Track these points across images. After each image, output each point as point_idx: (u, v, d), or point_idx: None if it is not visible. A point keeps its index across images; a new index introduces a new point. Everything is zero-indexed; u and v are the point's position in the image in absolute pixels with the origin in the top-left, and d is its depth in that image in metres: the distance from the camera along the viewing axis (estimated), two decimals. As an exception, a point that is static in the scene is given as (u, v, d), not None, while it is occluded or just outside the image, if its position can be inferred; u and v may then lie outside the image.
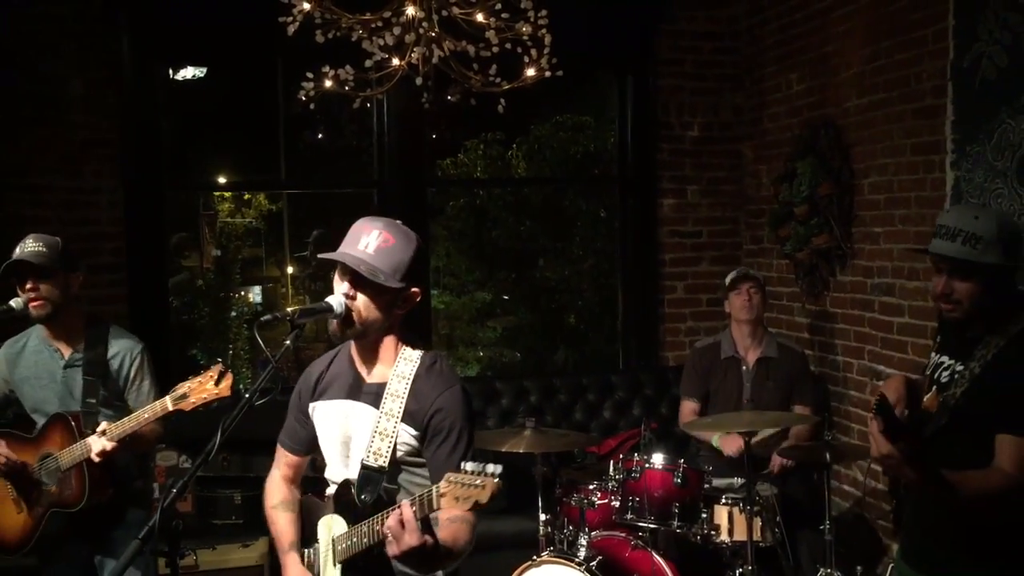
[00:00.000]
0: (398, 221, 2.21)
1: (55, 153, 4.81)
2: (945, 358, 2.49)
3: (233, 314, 9.25)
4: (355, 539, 2.15)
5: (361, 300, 2.13)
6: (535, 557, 3.58)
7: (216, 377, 2.63)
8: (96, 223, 4.85)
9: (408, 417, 2.18)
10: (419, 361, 2.23)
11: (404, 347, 2.25)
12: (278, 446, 2.48)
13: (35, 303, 2.94)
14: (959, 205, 2.55)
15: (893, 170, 4.27)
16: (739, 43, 5.56)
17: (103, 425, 2.83)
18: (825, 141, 4.67)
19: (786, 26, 5.11)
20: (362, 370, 2.28)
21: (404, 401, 2.18)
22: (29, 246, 2.97)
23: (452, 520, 2.07)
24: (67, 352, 3.07)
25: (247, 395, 1.97)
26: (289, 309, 2.08)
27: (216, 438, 1.89)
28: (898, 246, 4.25)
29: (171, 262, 7.33)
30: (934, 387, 2.47)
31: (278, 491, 2.45)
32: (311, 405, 2.36)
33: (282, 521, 2.39)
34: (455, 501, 1.83)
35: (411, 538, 1.91)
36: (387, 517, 2.00)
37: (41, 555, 3.11)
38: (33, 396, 3.09)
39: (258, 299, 10.22)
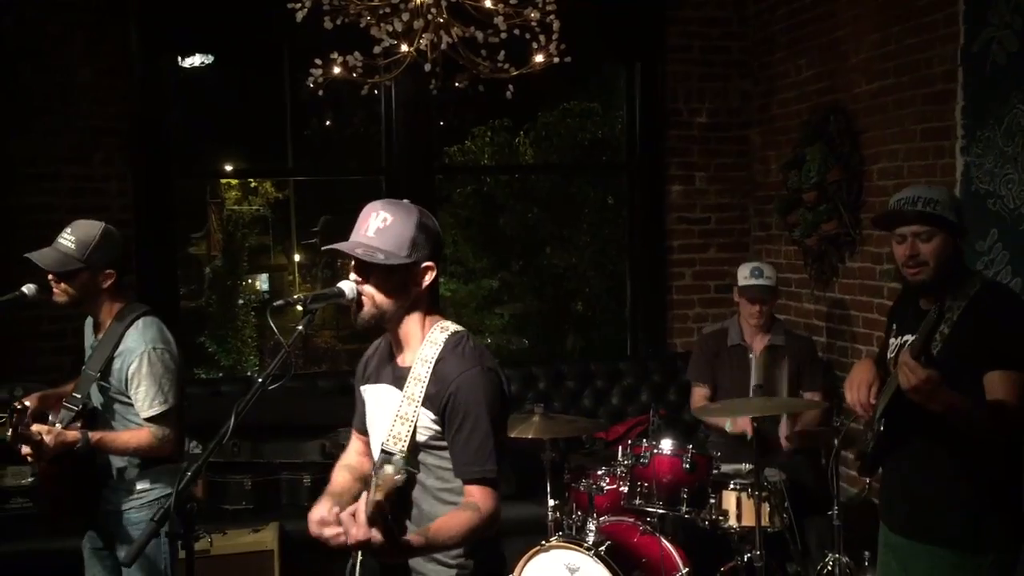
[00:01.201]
0: (405, 200, 2.17)
1: (65, 142, 4.83)
2: (908, 336, 2.59)
3: (240, 302, 9.29)
4: None
5: (370, 284, 2.11)
6: (544, 542, 3.59)
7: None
8: (105, 211, 4.85)
9: (428, 401, 2.12)
10: (443, 343, 2.15)
11: (433, 328, 2.18)
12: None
13: (55, 291, 2.95)
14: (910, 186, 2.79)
15: (903, 156, 4.25)
16: (747, 29, 5.54)
17: (35, 425, 2.81)
18: (834, 127, 4.65)
19: (795, 11, 5.08)
20: (396, 353, 2.24)
21: (425, 385, 2.12)
22: (63, 240, 2.93)
23: (458, 508, 2.06)
24: (97, 338, 3.05)
25: (260, 380, 1.98)
26: (301, 295, 2.08)
27: (230, 422, 1.90)
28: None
29: (181, 251, 7.36)
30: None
31: (347, 456, 2.42)
32: (360, 388, 2.34)
33: (337, 477, 2.35)
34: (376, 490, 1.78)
35: (357, 531, 1.85)
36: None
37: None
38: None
39: (265, 287, 10.26)
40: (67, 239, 2.93)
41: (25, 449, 2.77)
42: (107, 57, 4.86)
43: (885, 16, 4.31)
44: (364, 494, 1.92)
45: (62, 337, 4.62)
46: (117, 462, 3.03)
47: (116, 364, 2.97)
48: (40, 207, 4.71)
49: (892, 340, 2.71)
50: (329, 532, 1.99)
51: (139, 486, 3.02)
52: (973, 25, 3.76)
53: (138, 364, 2.93)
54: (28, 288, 2.96)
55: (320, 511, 2.10)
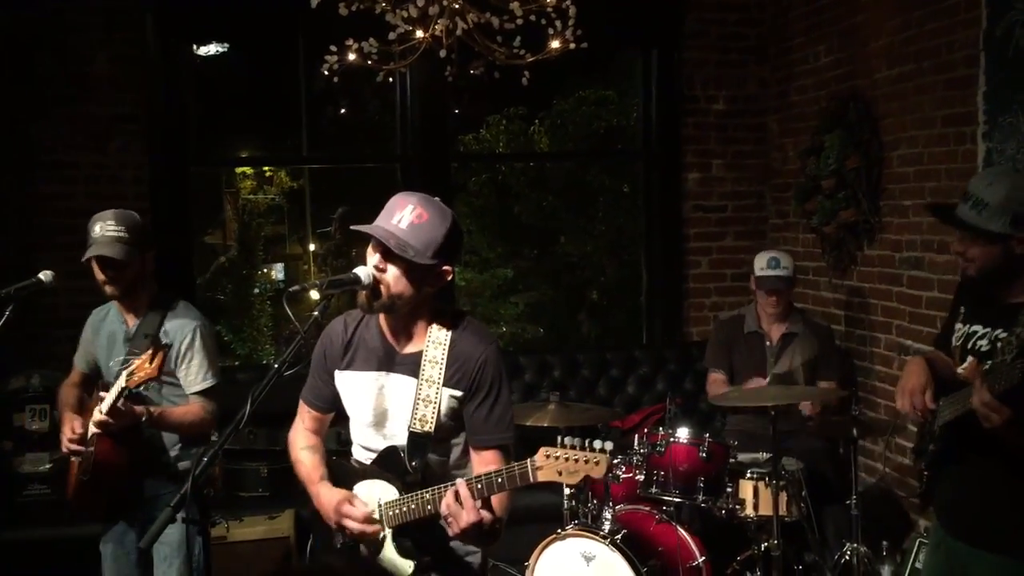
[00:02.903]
0: (436, 198, 2.20)
1: (82, 130, 4.84)
2: (978, 327, 2.47)
3: (256, 291, 9.32)
4: (409, 507, 2.17)
5: (390, 274, 2.13)
6: (560, 531, 3.59)
7: (151, 356, 2.64)
8: (122, 199, 4.84)
9: (450, 380, 2.21)
10: (451, 324, 2.26)
11: (435, 322, 2.26)
12: (301, 402, 2.48)
13: (111, 288, 2.96)
14: (988, 169, 2.57)
15: (923, 142, 4.20)
16: (765, 15, 5.49)
17: (103, 394, 2.84)
18: (854, 113, 4.60)
19: (813, -4, 5.03)
20: (394, 342, 2.28)
21: (444, 366, 2.21)
22: (111, 231, 2.92)
23: None
24: (132, 324, 3.07)
25: (276, 366, 1.98)
26: (316, 280, 2.09)
27: (246, 408, 1.91)
28: (927, 219, 4.19)
29: (197, 240, 7.37)
30: (969, 356, 2.45)
31: (303, 438, 2.48)
32: (337, 373, 2.36)
33: (310, 461, 2.42)
34: (557, 475, 1.84)
35: (470, 515, 1.93)
36: (443, 493, 2.03)
37: (103, 531, 3.15)
38: (105, 365, 3.11)
39: (280, 276, 10.29)
40: (116, 230, 2.93)
41: (98, 417, 2.78)
42: (123, 45, 4.87)
43: (906, 0, 4.25)
44: (460, 480, 2.01)
45: (79, 326, 4.64)
46: (163, 444, 3.06)
47: (164, 341, 3.01)
48: (57, 195, 4.73)
49: (959, 325, 2.56)
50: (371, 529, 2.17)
51: (180, 467, 3.08)
52: (995, 9, 3.70)
53: (191, 339, 3.01)
54: (45, 275, 2.97)
55: (362, 508, 2.21)
